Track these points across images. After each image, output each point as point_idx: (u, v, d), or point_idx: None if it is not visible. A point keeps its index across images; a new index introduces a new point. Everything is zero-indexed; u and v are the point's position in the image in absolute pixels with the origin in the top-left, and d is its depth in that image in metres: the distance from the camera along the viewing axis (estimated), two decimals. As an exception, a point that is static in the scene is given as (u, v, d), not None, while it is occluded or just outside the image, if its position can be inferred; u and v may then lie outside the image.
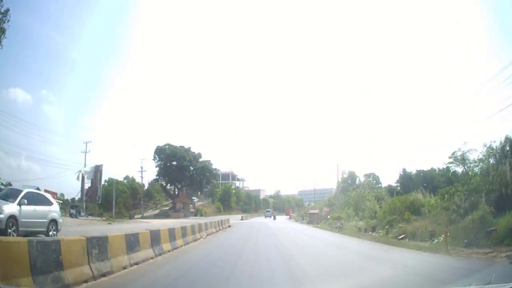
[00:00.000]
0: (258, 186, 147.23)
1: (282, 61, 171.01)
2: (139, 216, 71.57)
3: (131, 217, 59.69)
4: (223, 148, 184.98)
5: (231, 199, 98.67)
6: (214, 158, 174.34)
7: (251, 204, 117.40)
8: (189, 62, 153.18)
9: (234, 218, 58.30)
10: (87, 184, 53.93)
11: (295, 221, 67.68)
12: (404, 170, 79.42)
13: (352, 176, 72.96)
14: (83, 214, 48.30)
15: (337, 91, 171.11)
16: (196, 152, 70.46)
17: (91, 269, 7.32)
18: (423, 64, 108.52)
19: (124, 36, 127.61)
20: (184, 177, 70.19)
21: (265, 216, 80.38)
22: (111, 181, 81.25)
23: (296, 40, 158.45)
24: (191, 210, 75.34)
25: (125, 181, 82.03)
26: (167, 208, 76.73)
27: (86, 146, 55.25)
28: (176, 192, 74.98)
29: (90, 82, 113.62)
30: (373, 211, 34.84)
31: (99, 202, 53.36)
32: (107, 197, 76.21)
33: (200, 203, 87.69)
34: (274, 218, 72.70)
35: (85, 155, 54.47)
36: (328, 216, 51.83)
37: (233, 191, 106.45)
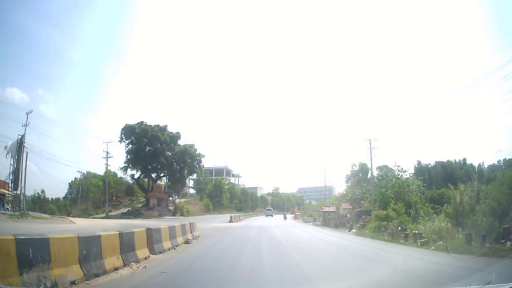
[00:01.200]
0: (255, 184, 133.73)
1: (281, 53, 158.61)
2: (103, 215, 55.98)
3: (68, 214, 44.93)
4: (218, 145, 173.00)
5: (223, 195, 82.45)
6: (210, 156, 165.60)
7: (247, 202, 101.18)
8: (187, 57, 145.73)
9: (222, 219, 42.19)
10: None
11: (304, 222, 51.85)
12: (419, 162, 65.48)
13: (364, 168, 62.04)
14: (7, 206, 35.55)
15: (341, 83, 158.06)
16: (174, 132, 53.97)
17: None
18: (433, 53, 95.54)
19: (123, 35, 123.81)
20: (159, 165, 53.91)
21: (266, 215, 69.22)
22: (89, 175, 68.18)
23: (296, 33, 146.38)
24: (170, 207, 59.25)
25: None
26: (140, 205, 60.63)
27: (27, 117, 39.58)
28: (152, 185, 58.63)
29: (88, 80, 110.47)
30: (457, 203, 20.23)
31: (19, 190, 37.49)
32: (79, 192, 64.33)
33: (184, 200, 71.41)
34: (285, 218, 61.39)
35: (25, 129, 39.09)
36: (349, 215, 36.47)
37: (226, 186, 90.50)
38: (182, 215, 55.55)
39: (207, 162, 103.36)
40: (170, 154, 53.52)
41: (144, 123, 53.30)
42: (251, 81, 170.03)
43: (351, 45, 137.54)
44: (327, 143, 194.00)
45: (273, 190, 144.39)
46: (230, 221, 39.72)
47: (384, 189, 36.31)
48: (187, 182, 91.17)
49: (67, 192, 71.51)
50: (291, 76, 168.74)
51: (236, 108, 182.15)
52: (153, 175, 58.02)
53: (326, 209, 46.64)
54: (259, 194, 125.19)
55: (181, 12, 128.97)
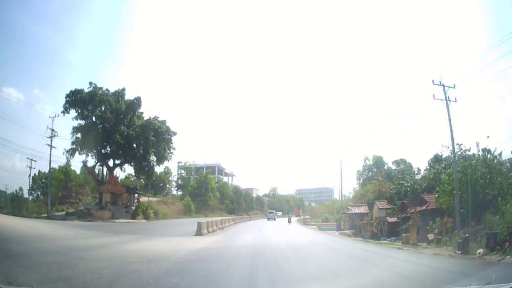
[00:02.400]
0: (251, 185, 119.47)
1: (278, 50, 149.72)
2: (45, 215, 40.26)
3: None
4: (212, 144, 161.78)
5: (210, 194, 66.58)
6: (205, 156, 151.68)
7: (240, 203, 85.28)
8: (183, 53, 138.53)
9: (190, 228, 24.44)
10: None
11: (320, 230, 36.41)
12: (435, 156, 53.83)
13: (379, 162, 56.66)
14: None
15: (338, 81, 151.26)
16: (133, 98, 37.97)
17: None
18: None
19: (121, 37, 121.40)
20: (117, 147, 38.26)
21: (268, 219, 61.64)
22: (61, 168, 54.13)
23: (293, 31, 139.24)
24: (133, 206, 43.40)
25: (81, 170, 55.58)
26: (94, 203, 44.77)
27: None
28: (108, 176, 42.64)
29: (85, 82, 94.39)
30: None
31: None
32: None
33: (156, 199, 55.55)
34: (289, 222, 52.43)
35: None
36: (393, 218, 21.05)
37: (216, 185, 74.85)
38: (146, 217, 39.75)
39: (198, 160, 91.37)
40: (128, 130, 37.54)
41: (95, 85, 37.38)
42: (247, 77, 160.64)
43: (349, 45, 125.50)
44: (326, 143, 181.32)
45: (270, 191, 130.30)
46: (198, 232, 21.89)
47: (469, 172, 21.05)
48: (169, 179, 75.88)
49: (29, 188, 58.79)
50: (288, 73, 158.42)
51: (230, 107, 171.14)
52: (110, 163, 42.15)
53: (356, 210, 31.25)
54: (254, 195, 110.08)
55: (180, 11, 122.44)
